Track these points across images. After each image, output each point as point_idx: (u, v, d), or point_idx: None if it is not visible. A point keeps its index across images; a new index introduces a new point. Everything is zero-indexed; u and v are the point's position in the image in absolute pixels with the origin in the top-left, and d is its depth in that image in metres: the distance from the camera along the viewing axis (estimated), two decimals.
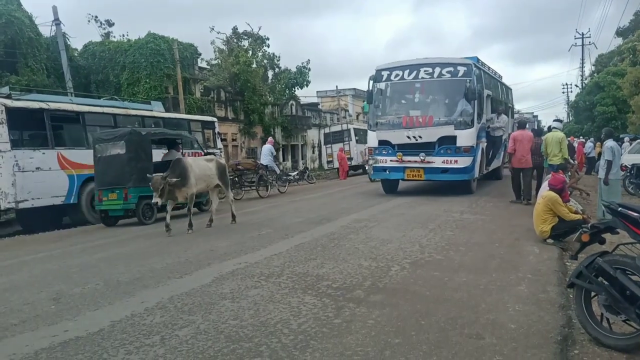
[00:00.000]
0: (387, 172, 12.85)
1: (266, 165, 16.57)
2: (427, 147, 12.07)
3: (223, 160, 9.84)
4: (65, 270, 6.28)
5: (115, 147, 10.60)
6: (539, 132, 13.64)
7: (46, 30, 23.38)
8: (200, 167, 9.10)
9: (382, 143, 12.75)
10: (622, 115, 30.68)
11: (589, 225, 4.29)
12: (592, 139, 25.32)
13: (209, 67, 32.86)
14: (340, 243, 7.10)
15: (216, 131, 16.69)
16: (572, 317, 4.00)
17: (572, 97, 48.53)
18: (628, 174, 13.62)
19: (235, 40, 33.46)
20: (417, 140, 12.06)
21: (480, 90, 12.68)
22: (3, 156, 10.23)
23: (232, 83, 30.71)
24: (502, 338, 3.60)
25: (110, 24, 29.49)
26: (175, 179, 8.21)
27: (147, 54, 24.79)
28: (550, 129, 12.93)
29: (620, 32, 39.49)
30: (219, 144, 16.76)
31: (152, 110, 14.88)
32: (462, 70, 12.25)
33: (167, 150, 12.08)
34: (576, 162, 16.75)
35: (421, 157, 12.09)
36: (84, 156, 11.86)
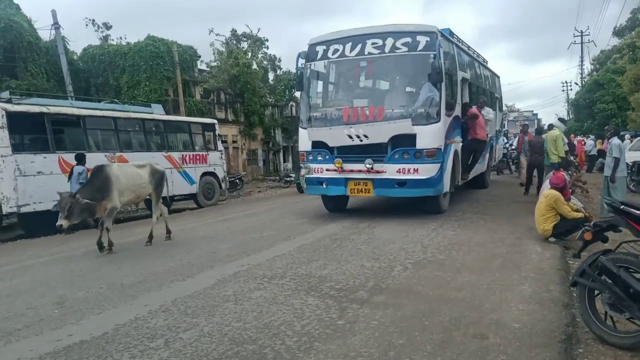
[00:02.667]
0: (324, 186, 9.52)
1: None
2: (376, 151, 8.89)
3: (160, 166, 8.62)
4: (68, 274, 6.29)
5: None
6: (539, 131, 13.62)
7: (45, 34, 23.42)
8: (128, 175, 7.91)
9: (317, 145, 9.50)
10: (622, 112, 30.64)
11: (592, 223, 4.29)
12: (592, 136, 25.28)
13: (208, 69, 32.89)
14: (343, 244, 7.10)
15: (216, 133, 16.69)
16: (576, 315, 4.00)
17: (572, 95, 48.54)
18: (629, 171, 13.61)
19: (234, 42, 33.50)
20: (362, 140, 8.84)
21: (451, 71, 9.89)
22: (4, 160, 10.23)
23: (231, 85, 30.72)
24: (506, 338, 3.61)
25: (107, 26, 29.56)
26: (86, 200, 7.06)
27: (147, 56, 24.77)
28: (550, 127, 12.95)
29: (617, 32, 39.46)
30: (220, 146, 16.76)
31: (152, 113, 14.88)
32: (423, 41, 8.81)
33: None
34: (575, 159, 16.71)
35: (367, 165, 8.88)
36: (85, 159, 11.87)
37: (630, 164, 13.61)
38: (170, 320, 4.18)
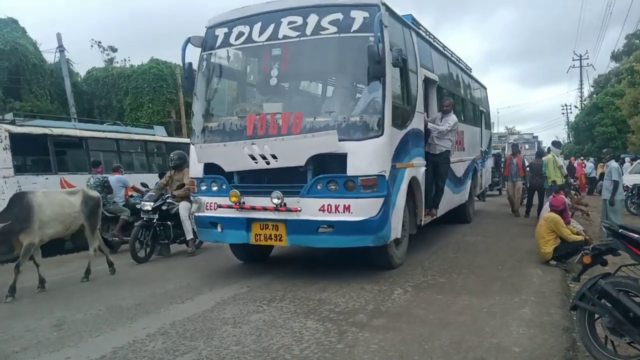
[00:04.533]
0: (219, 230, 6.55)
1: None
2: (291, 179, 6.05)
3: (95, 193, 7.65)
4: (67, 296, 6.26)
5: None
6: (540, 153, 13.66)
7: (50, 57, 23.83)
8: (55, 203, 6.71)
9: (211, 169, 6.55)
10: (622, 135, 30.83)
11: (590, 246, 4.30)
12: (592, 159, 25.36)
13: None
14: (343, 266, 7.08)
15: None
16: (577, 339, 3.98)
17: (572, 118, 48.85)
18: (630, 194, 13.64)
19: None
20: (269, 163, 5.98)
21: (407, 65, 6.96)
22: (7, 182, 10.27)
23: None
24: None
25: (113, 49, 30.00)
26: (2, 224, 5.86)
27: (150, 79, 25.09)
28: (549, 150, 13.02)
29: (614, 56, 40.02)
30: None
31: (154, 135, 15.01)
32: (360, 18, 6.02)
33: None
34: (575, 182, 16.69)
35: (275, 200, 5.97)
36: (87, 181, 11.92)
37: (631, 186, 13.65)
38: (169, 344, 4.15)
